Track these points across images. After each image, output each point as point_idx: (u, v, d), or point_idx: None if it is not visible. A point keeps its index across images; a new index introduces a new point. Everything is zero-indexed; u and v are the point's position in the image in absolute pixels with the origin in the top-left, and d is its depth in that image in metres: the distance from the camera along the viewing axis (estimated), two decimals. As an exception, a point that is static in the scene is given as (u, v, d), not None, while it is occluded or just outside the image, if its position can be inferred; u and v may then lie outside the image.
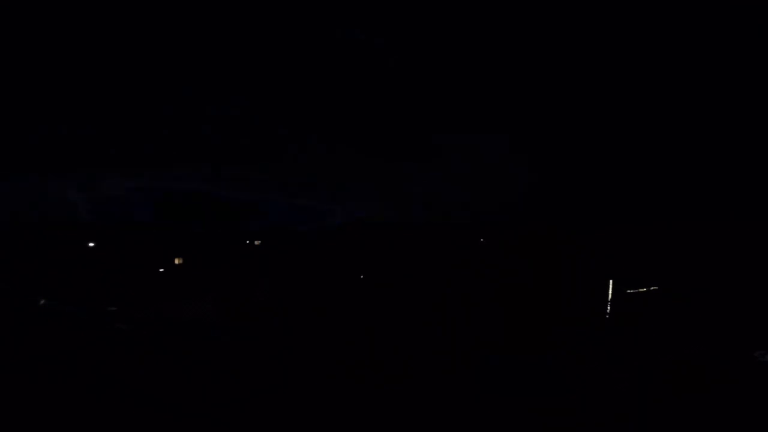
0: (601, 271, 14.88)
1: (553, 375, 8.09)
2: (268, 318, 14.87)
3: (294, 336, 12.04)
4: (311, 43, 18.90)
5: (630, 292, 14.47)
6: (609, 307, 14.36)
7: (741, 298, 13.05)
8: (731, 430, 5.49)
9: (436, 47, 18.46)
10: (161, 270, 21.83)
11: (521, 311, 14.54)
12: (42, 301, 14.90)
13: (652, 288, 14.51)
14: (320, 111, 21.03)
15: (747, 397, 6.15)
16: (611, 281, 14.57)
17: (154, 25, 18.46)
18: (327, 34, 18.62)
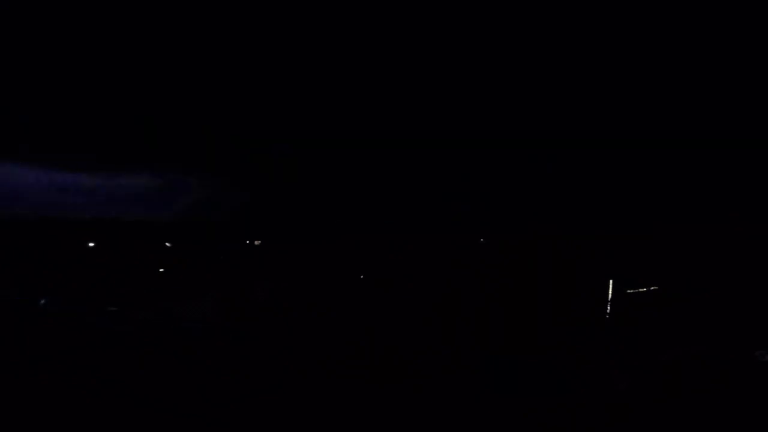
0: (601, 271, 14.88)
1: (553, 375, 8.09)
2: (268, 318, 14.86)
3: (294, 336, 12.04)
4: (311, 42, 18.91)
5: (630, 292, 14.46)
6: (609, 307, 14.36)
7: (741, 298, 13.04)
8: (731, 430, 5.49)
9: (437, 48, 18.46)
10: (161, 270, 21.80)
11: (522, 312, 14.53)
12: (42, 301, 14.90)
13: (652, 288, 14.50)
14: (318, 111, 21.01)
15: (747, 397, 6.15)
16: (611, 281, 14.57)
17: (154, 25, 18.47)
18: (327, 33, 18.63)
